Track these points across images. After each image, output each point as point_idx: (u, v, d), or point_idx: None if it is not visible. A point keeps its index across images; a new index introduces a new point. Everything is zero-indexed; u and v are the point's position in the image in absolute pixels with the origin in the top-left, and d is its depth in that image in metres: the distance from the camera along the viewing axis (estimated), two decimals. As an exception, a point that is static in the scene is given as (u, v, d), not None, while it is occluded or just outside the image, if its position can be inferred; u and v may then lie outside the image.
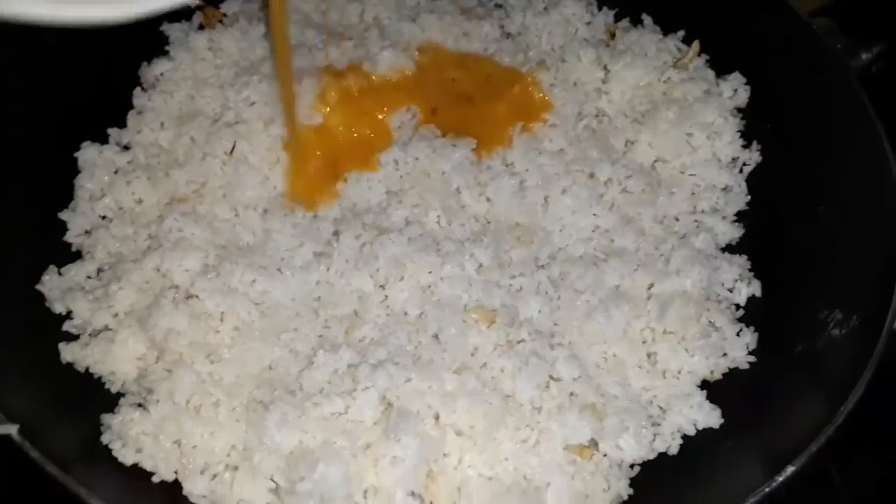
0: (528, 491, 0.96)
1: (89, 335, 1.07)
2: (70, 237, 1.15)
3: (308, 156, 1.20)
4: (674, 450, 1.04)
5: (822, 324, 1.03)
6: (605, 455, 1.01)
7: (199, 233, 1.13)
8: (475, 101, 1.31)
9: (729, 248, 1.21)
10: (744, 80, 1.30)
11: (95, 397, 1.03)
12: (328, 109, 1.24)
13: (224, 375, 1.02)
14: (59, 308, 1.08)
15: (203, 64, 1.30)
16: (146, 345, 1.04)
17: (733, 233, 1.22)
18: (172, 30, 1.34)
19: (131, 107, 1.27)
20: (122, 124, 1.25)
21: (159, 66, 1.29)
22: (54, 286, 1.09)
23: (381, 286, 1.10)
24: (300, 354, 1.05)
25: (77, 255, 1.15)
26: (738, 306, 1.16)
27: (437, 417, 0.98)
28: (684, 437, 1.05)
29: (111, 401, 1.03)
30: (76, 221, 1.16)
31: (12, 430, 0.86)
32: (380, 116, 1.26)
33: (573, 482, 0.97)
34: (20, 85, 1.15)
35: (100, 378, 1.05)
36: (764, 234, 1.21)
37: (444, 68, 1.33)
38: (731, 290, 1.16)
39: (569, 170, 1.22)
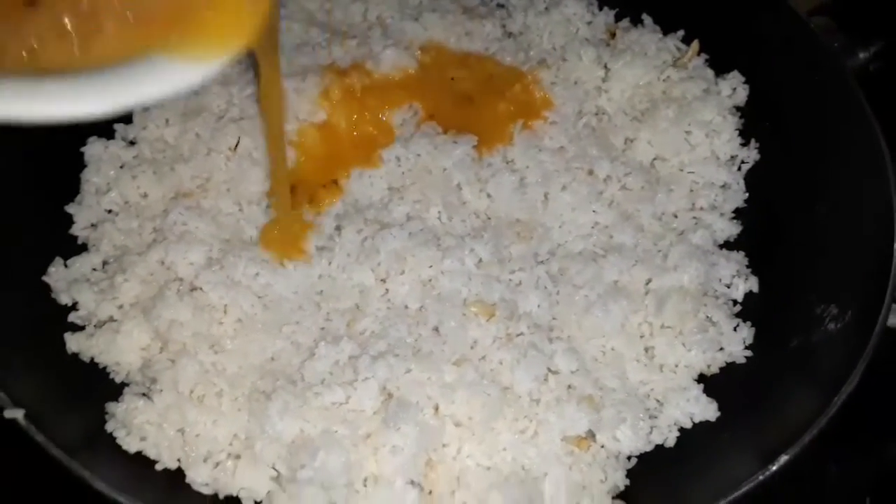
0: (525, 481, 0.97)
1: (94, 326, 1.08)
2: (76, 230, 1.17)
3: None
4: (670, 442, 1.05)
5: (817, 319, 1.05)
6: (602, 447, 1.02)
7: (204, 226, 1.14)
8: (476, 100, 1.32)
9: (727, 245, 1.22)
10: (742, 78, 1.32)
11: (100, 387, 1.04)
12: (331, 107, 1.26)
13: (227, 366, 1.03)
14: (64, 299, 1.10)
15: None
16: (150, 335, 1.06)
17: (731, 229, 1.23)
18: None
19: (137, 103, 1.28)
20: (128, 120, 1.26)
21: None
22: (60, 278, 1.11)
23: (382, 280, 1.12)
24: (302, 346, 1.07)
25: (83, 248, 1.16)
26: (735, 302, 1.17)
27: (436, 408, 0.99)
28: (681, 429, 1.06)
29: (116, 390, 1.04)
30: (82, 215, 1.18)
31: (18, 414, 0.87)
32: (382, 114, 1.28)
33: (570, 473, 0.99)
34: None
35: (104, 368, 1.06)
36: (762, 230, 1.22)
37: (446, 67, 1.35)
38: (728, 286, 1.17)
39: (569, 167, 1.23)
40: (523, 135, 1.26)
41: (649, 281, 1.14)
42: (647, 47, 1.35)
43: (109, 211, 1.19)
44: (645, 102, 1.32)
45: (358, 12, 1.39)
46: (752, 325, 1.13)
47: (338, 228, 1.15)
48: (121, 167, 1.22)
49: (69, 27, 0.69)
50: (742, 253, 1.20)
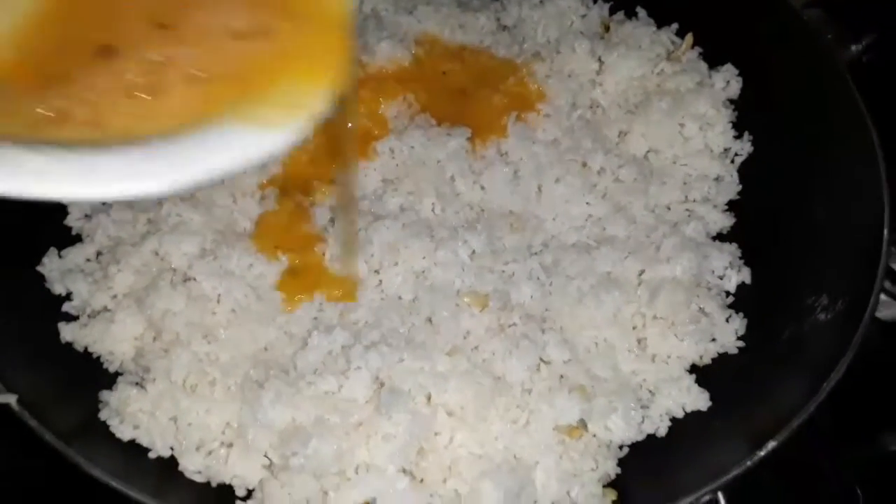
0: (517, 469, 0.97)
1: (88, 316, 1.08)
2: (70, 221, 1.17)
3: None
4: (662, 432, 1.05)
5: (809, 308, 1.05)
6: (594, 436, 1.03)
7: (198, 218, 1.14)
8: (470, 92, 1.32)
9: (720, 237, 1.23)
10: (736, 71, 1.32)
11: (94, 376, 1.05)
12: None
13: (220, 355, 1.03)
14: (58, 289, 1.10)
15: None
16: (144, 325, 1.06)
17: (724, 221, 1.24)
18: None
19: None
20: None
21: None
22: (54, 268, 1.11)
23: (375, 271, 1.12)
24: (295, 336, 1.07)
25: (77, 239, 1.16)
26: (727, 293, 1.17)
27: (428, 397, 1.00)
28: (672, 419, 1.06)
29: (109, 380, 1.04)
30: (76, 206, 1.18)
31: (11, 399, 0.88)
32: (377, 106, 1.28)
33: (561, 461, 0.99)
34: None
35: (98, 357, 1.07)
36: (755, 222, 1.22)
37: (441, 60, 1.35)
38: (721, 278, 1.17)
39: (562, 159, 1.23)
40: (517, 127, 1.26)
41: (642, 272, 1.14)
42: (641, 40, 1.35)
43: (104, 202, 1.19)
44: (639, 95, 1.32)
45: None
46: (744, 316, 1.13)
47: (331, 220, 1.16)
48: (115, 158, 1.22)
49: (141, 83, 0.60)
50: (735, 244, 1.21)
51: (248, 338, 1.06)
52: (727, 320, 1.13)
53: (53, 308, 1.08)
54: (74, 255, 1.13)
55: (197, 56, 0.62)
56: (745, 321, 1.12)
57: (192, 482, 0.98)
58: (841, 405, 1.05)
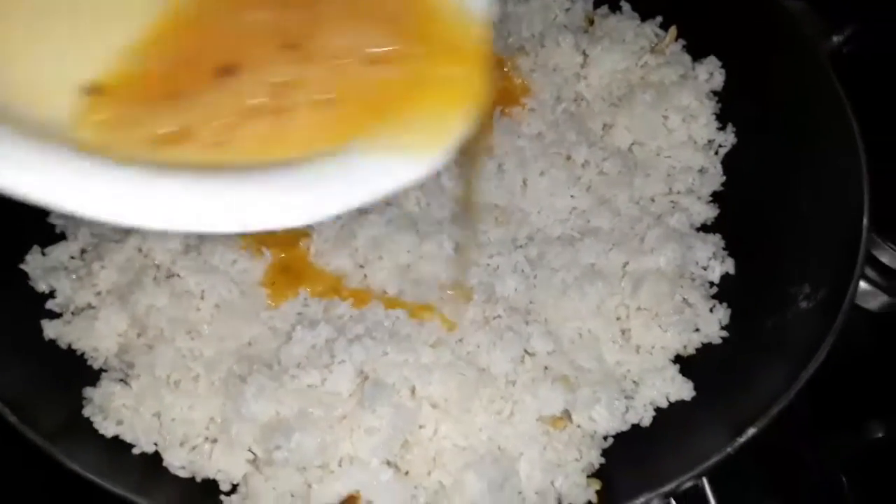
0: (501, 460, 0.97)
1: (72, 313, 1.08)
2: (53, 219, 1.16)
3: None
4: (646, 422, 1.05)
5: (791, 298, 1.05)
6: (578, 426, 1.03)
7: (182, 214, 1.14)
8: (456, 87, 1.33)
9: (704, 228, 1.23)
10: (719, 63, 1.32)
11: (77, 373, 1.04)
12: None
13: (204, 351, 1.03)
14: (42, 287, 1.10)
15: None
16: (127, 321, 1.06)
17: (708, 213, 1.24)
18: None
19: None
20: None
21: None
22: (38, 266, 1.10)
23: (360, 265, 1.12)
24: (279, 331, 1.07)
25: (61, 237, 1.16)
26: (711, 284, 1.17)
27: (412, 390, 1.00)
28: (657, 409, 1.07)
29: (93, 376, 1.04)
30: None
31: (-9, 397, 0.88)
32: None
33: (545, 452, 0.99)
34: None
35: (82, 354, 1.06)
36: (738, 213, 1.23)
37: (426, 55, 1.36)
38: (704, 269, 1.18)
39: (547, 153, 1.24)
40: (502, 121, 1.26)
41: (626, 264, 1.15)
42: (625, 33, 1.35)
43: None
44: (623, 88, 1.33)
45: (337, 1, 1.39)
46: (727, 307, 1.13)
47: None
48: (99, 156, 1.21)
49: (268, 105, 0.56)
50: (718, 235, 1.21)
51: (231, 333, 1.05)
52: (711, 310, 1.13)
53: (37, 305, 1.08)
54: (58, 252, 1.13)
55: (326, 79, 0.59)
56: (728, 311, 1.13)
57: (176, 477, 0.98)
58: (829, 394, 1.06)
